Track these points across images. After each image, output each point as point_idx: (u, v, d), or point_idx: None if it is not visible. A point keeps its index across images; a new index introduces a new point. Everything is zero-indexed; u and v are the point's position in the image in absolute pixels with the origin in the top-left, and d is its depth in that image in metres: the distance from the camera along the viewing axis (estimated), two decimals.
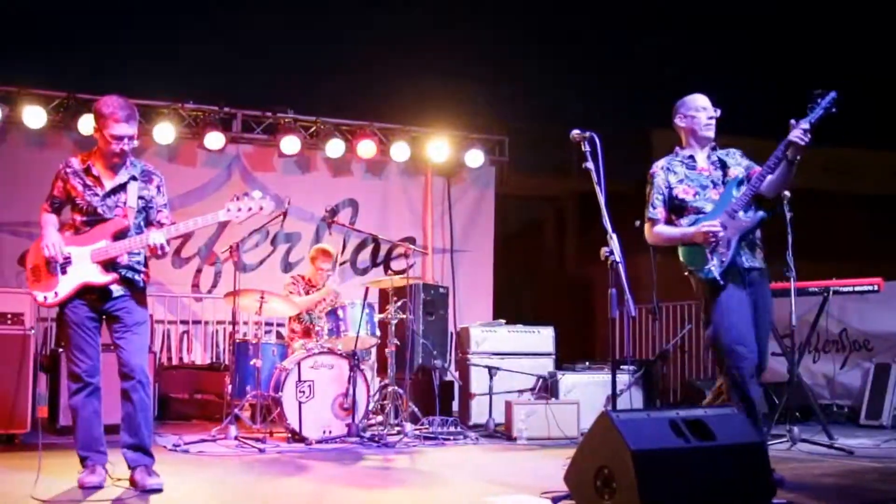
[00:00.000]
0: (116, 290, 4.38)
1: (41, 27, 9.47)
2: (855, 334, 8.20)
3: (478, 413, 7.31)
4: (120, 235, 4.37)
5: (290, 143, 9.18)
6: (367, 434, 6.37)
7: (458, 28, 10.89)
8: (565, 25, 11.55)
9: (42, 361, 7.02)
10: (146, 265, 4.55)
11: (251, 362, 6.52)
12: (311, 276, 7.41)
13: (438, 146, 9.81)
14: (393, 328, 6.74)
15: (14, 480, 4.60)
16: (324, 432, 6.28)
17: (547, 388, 7.38)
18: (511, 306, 9.82)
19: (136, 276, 4.46)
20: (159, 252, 4.33)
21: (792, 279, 6.00)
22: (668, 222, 4.83)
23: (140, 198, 4.46)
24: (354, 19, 10.66)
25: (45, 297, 4.34)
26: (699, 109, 4.87)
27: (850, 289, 6.67)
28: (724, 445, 3.69)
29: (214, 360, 8.95)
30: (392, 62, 10.65)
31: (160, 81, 9.07)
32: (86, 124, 8.18)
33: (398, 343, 6.81)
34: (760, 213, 4.71)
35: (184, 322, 9.11)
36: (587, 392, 7.16)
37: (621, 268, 4.43)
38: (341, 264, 9.72)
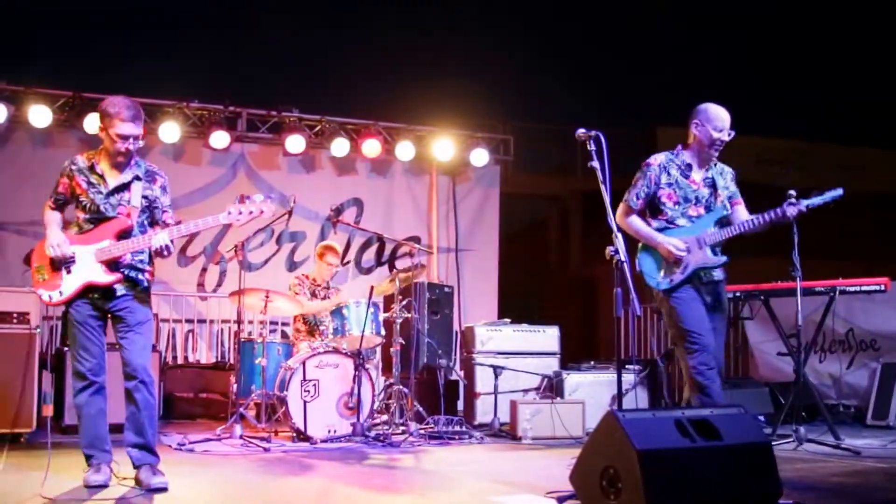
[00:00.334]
0: (119, 289, 4.39)
1: (46, 27, 9.48)
2: (861, 334, 8.17)
3: (483, 412, 7.30)
4: (123, 235, 4.38)
5: (295, 142, 9.18)
6: (372, 433, 6.37)
7: (463, 28, 10.90)
8: (570, 25, 11.55)
9: (48, 360, 7.04)
10: (150, 264, 4.55)
11: (256, 361, 6.52)
12: (315, 274, 7.40)
13: (443, 145, 9.80)
14: (398, 327, 6.73)
15: (21, 479, 4.61)
16: (329, 431, 6.27)
17: (552, 388, 7.37)
18: (516, 305, 9.81)
19: (140, 276, 4.47)
20: (164, 252, 4.34)
21: (798, 278, 5.97)
22: (641, 215, 4.99)
23: (144, 197, 4.47)
24: (359, 19, 10.67)
25: (51, 297, 4.35)
26: (718, 129, 4.96)
27: (857, 288, 6.63)
28: (731, 445, 3.67)
29: (219, 359, 8.96)
30: (397, 62, 10.66)
31: (165, 80, 9.11)
32: (91, 123, 8.19)
33: (403, 342, 6.81)
34: (725, 259, 4.92)
35: (189, 321, 9.12)
36: (592, 391, 7.15)
37: (626, 267, 4.43)
38: (345, 263, 9.72)
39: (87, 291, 4.35)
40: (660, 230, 4.93)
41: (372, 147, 9.48)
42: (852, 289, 6.63)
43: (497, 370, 7.05)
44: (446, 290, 8.03)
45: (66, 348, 6.34)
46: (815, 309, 6.94)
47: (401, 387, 6.70)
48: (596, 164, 4.56)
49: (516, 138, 10.55)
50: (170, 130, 8.74)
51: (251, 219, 4.49)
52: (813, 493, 4.31)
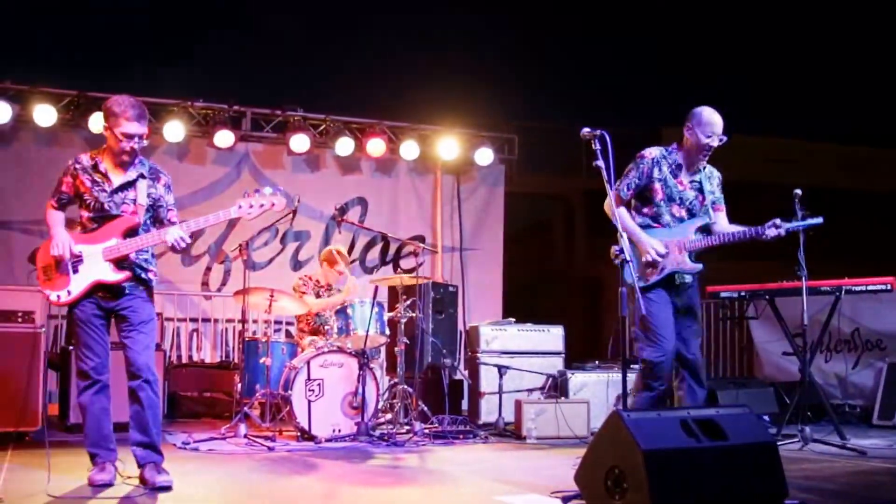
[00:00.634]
0: (127, 287, 4.39)
1: (51, 26, 9.50)
2: (868, 334, 8.14)
3: (487, 412, 7.29)
4: (130, 233, 4.38)
5: (300, 142, 9.18)
6: (377, 433, 6.36)
7: (467, 27, 10.88)
8: (575, 24, 11.53)
9: (52, 359, 7.05)
10: (153, 263, 4.56)
11: (261, 360, 6.53)
12: (320, 276, 7.40)
13: (448, 144, 9.79)
14: (402, 327, 6.73)
15: (27, 477, 4.62)
16: (333, 431, 6.27)
17: (556, 387, 7.35)
18: (520, 305, 9.80)
19: (144, 274, 4.47)
20: (181, 245, 4.34)
21: (803, 278, 5.96)
22: (628, 206, 5.07)
23: (148, 196, 4.47)
24: (364, 18, 10.66)
25: (59, 296, 4.35)
26: (708, 135, 5.00)
27: (863, 288, 6.61)
28: (736, 445, 3.66)
29: (224, 358, 8.96)
30: (401, 60, 10.65)
31: (170, 79, 9.09)
32: (96, 122, 8.19)
33: (407, 342, 6.80)
34: (700, 266, 4.99)
35: (193, 320, 9.12)
36: (597, 391, 7.14)
37: (632, 266, 4.42)
38: (350, 262, 9.72)
39: (94, 290, 4.35)
40: (643, 227, 5.00)
41: (376, 146, 9.48)
42: (858, 288, 6.60)
43: (501, 370, 7.04)
44: (451, 289, 8.02)
45: (70, 347, 6.35)
46: (820, 309, 6.92)
47: (405, 386, 6.69)
48: (601, 163, 4.56)
49: (521, 137, 10.52)
50: (174, 130, 8.74)
51: (262, 212, 4.49)
52: (818, 494, 4.30)
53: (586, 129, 4.58)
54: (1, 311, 6.07)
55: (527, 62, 11.35)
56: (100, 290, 4.36)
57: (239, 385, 6.71)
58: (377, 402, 6.51)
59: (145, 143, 4.44)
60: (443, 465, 5.34)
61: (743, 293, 7.08)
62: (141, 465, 4.34)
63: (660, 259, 4.91)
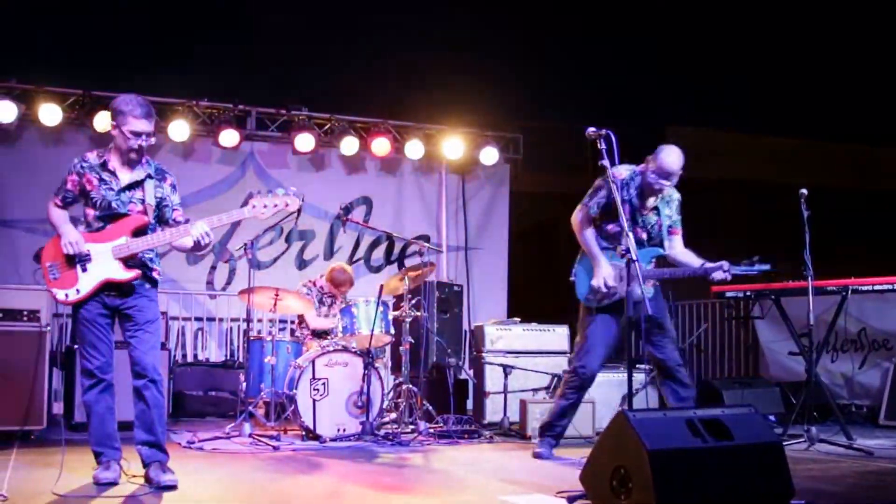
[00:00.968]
0: (136, 284, 4.39)
1: (56, 25, 9.50)
2: (874, 333, 8.11)
3: (492, 411, 7.28)
4: (139, 232, 4.39)
5: (305, 141, 9.19)
6: (382, 432, 6.36)
7: (472, 26, 10.85)
8: (580, 23, 11.50)
9: (57, 358, 7.06)
10: (158, 263, 4.57)
11: (265, 360, 6.53)
12: (324, 283, 7.41)
13: (453, 144, 9.79)
14: (407, 326, 6.72)
15: (33, 476, 4.63)
16: (338, 430, 6.27)
17: None
18: (526, 304, 9.77)
19: (151, 273, 4.48)
20: (205, 240, 4.35)
21: (809, 278, 5.94)
22: (592, 220, 5.39)
23: (154, 195, 4.47)
24: (368, 17, 10.64)
25: (67, 295, 4.34)
26: (663, 176, 5.22)
27: (870, 288, 6.58)
28: (742, 445, 3.65)
29: (229, 357, 8.97)
30: (406, 60, 10.62)
31: (175, 79, 9.09)
32: (101, 121, 8.21)
33: (412, 341, 6.80)
34: (651, 291, 5.21)
35: (198, 319, 9.13)
36: (602, 391, 7.10)
37: (638, 266, 4.42)
38: (355, 262, 9.72)
39: (102, 289, 4.34)
40: (604, 249, 5.33)
41: (381, 145, 9.48)
42: (865, 288, 6.58)
43: (507, 369, 7.04)
44: (456, 288, 8.02)
45: (76, 346, 6.36)
46: (826, 308, 6.90)
47: (410, 386, 6.69)
48: (606, 162, 4.57)
49: (526, 137, 10.52)
50: (179, 129, 8.76)
51: (276, 212, 4.52)
52: (825, 494, 4.28)
53: (592, 129, 4.59)
54: (6, 310, 6.08)
55: (531, 61, 11.31)
56: (107, 289, 4.36)
57: (244, 384, 6.71)
58: (382, 401, 6.50)
59: (152, 141, 4.45)
60: (448, 465, 5.33)
61: (748, 293, 7.06)
62: (146, 464, 4.34)
63: (605, 290, 5.22)
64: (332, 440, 6.17)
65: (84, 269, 4.33)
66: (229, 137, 8.94)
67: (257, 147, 9.50)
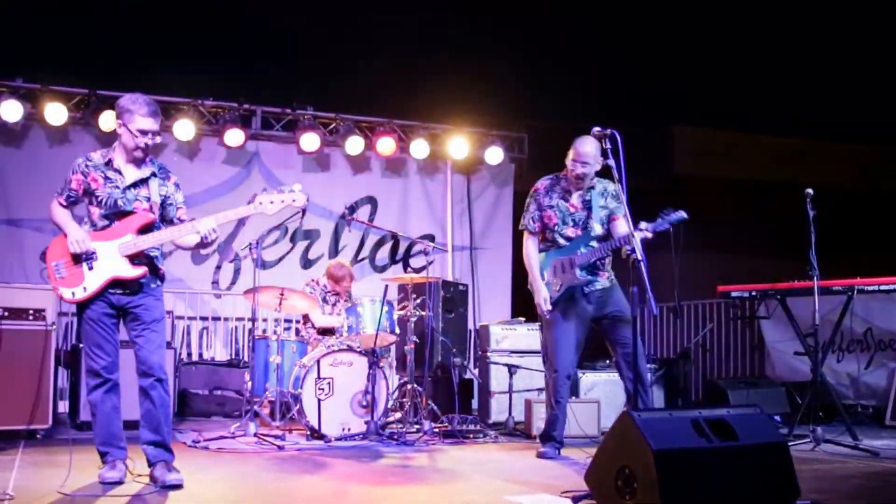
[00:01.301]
0: (144, 282, 4.40)
1: (61, 25, 9.52)
2: (880, 334, 8.09)
3: (497, 411, 7.28)
4: (145, 229, 4.39)
5: (310, 140, 9.19)
6: (386, 432, 6.36)
7: (477, 25, 10.85)
8: (585, 22, 11.49)
9: (63, 357, 7.07)
10: (162, 262, 4.57)
11: (270, 359, 6.54)
12: (328, 282, 7.41)
13: (458, 143, 9.78)
14: (412, 325, 6.72)
15: (38, 475, 4.64)
16: (343, 430, 6.27)
17: None
18: (531, 304, 9.75)
19: (156, 271, 4.48)
20: (212, 237, 4.35)
21: (815, 278, 5.92)
22: (535, 237, 5.60)
23: (158, 194, 4.48)
24: (373, 17, 10.64)
25: (73, 293, 4.33)
26: (574, 161, 5.42)
27: (875, 287, 6.56)
28: (747, 445, 3.64)
29: (234, 356, 8.98)
30: (412, 59, 10.62)
31: (180, 78, 9.10)
32: (106, 121, 8.23)
33: (417, 340, 6.80)
34: (592, 278, 5.42)
35: (203, 318, 9.15)
36: (608, 391, 7.11)
37: (643, 266, 4.41)
38: (360, 261, 9.73)
39: (108, 287, 4.34)
40: (544, 251, 5.54)
41: (386, 145, 9.48)
42: (871, 288, 6.56)
43: (512, 369, 7.03)
44: (461, 288, 8.01)
45: (81, 345, 6.38)
46: (832, 308, 6.88)
47: (415, 385, 6.69)
48: (612, 162, 4.57)
49: (531, 136, 10.50)
50: (184, 128, 8.77)
51: (283, 207, 4.51)
52: (830, 494, 4.27)
53: (597, 128, 4.60)
54: (12, 308, 6.09)
55: (537, 61, 11.30)
56: (114, 287, 4.36)
57: (249, 383, 6.71)
58: (387, 401, 6.50)
59: (158, 139, 4.45)
60: (453, 465, 5.33)
61: (754, 293, 7.05)
62: (151, 464, 4.35)
63: (547, 309, 5.43)
64: (337, 440, 6.17)
65: (91, 268, 4.33)
66: (234, 137, 8.95)
67: (262, 146, 9.51)
